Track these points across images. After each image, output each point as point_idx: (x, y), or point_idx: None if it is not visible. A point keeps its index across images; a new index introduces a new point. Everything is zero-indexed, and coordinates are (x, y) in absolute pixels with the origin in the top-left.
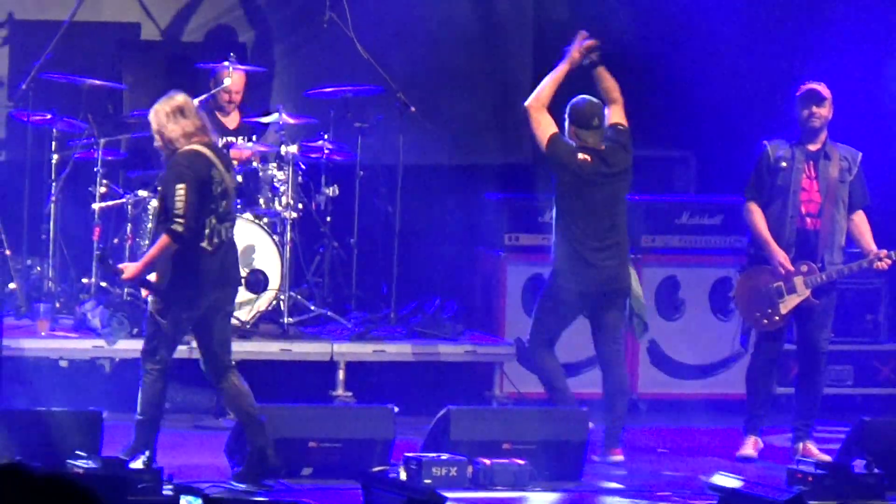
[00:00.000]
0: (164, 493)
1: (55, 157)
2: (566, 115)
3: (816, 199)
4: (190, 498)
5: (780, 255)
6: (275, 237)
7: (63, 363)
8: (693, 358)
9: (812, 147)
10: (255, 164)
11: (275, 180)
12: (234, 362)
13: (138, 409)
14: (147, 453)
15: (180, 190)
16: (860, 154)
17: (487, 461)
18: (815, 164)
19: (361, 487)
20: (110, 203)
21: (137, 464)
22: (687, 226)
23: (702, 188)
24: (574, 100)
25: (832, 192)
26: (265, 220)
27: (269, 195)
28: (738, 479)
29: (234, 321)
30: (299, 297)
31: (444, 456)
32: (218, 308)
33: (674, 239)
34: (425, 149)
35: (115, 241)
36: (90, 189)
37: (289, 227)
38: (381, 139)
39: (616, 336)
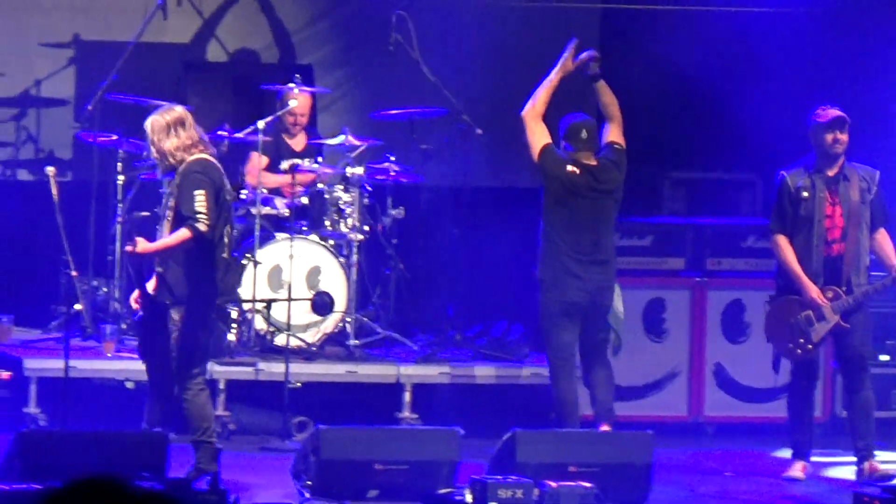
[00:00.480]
0: None
1: (121, 177)
2: (561, 134)
3: (840, 223)
4: None
5: (814, 291)
6: (341, 259)
7: (129, 385)
8: (759, 381)
9: (830, 172)
10: (320, 186)
11: (340, 202)
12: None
13: (193, 428)
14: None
15: (200, 195)
16: (878, 173)
17: (553, 484)
18: (836, 189)
19: None
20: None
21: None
22: (753, 249)
23: (768, 211)
24: (569, 115)
25: (854, 215)
26: (331, 242)
27: (335, 217)
28: None
29: (300, 343)
30: (365, 319)
31: (510, 478)
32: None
33: (739, 262)
34: (491, 170)
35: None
36: (156, 210)
37: (355, 249)
38: (446, 161)
39: (598, 347)
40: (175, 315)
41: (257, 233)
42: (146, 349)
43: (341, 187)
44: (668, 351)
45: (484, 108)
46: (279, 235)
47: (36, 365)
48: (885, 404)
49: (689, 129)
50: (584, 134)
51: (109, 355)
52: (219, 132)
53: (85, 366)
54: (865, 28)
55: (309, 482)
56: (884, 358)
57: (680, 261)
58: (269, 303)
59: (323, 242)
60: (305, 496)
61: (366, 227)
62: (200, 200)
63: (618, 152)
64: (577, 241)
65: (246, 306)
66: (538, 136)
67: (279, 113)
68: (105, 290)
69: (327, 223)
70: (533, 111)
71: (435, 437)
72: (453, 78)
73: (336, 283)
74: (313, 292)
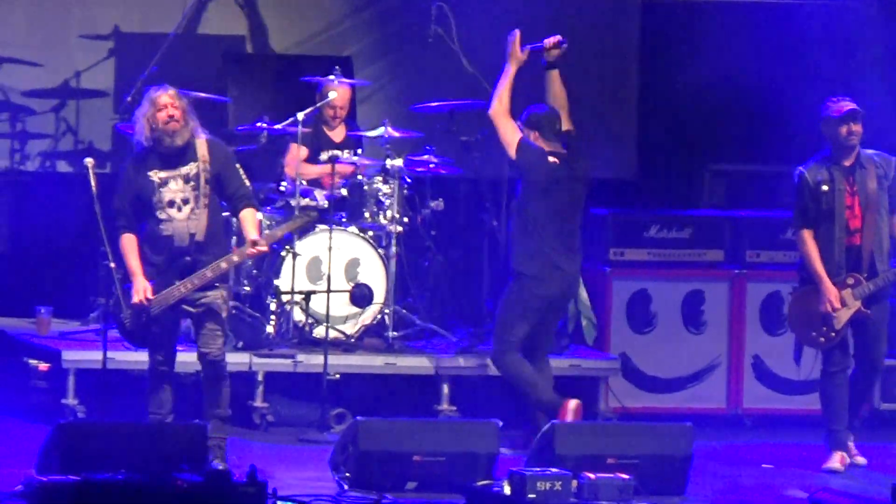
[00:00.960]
0: None
1: None
2: (524, 122)
3: (859, 213)
4: None
5: (832, 294)
6: (380, 251)
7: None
8: (797, 373)
9: (847, 163)
10: (360, 177)
11: (380, 194)
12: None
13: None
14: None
15: (242, 170)
16: (894, 159)
17: (592, 476)
18: (853, 179)
19: (465, 502)
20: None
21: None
22: (792, 241)
23: None
24: (533, 107)
25: (873, 203)
26: (370, 233)
27: (375, 209)
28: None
29: (339, 335)
30: (404, 311)
31: (549, 471)
32: None
33: (778, 254)
34: None
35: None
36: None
37: (394, 241)
38: (485, 153)
39: (551, 338)
40: (224, 295)
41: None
42: (164, 340)
43: (381, 179)
44: (706, 343)
45: (523, 101)
46: (318, 227)
47: (74, 357)
48: (891, 397)
49: (729, 121)
50: (557, 125)
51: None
52: (258, 124)
53: (123, 357)
54: None
55: (347, 474)
56: None
57: (719, 253)
58: (307, 295)
59: (362, 234)
60: (344, 488)
61: (405, 219)
62: (245, 175)
63: (577, 139)
64: (559, 232)
65: (285, 298)
66: (511, 132)
67: (319, 105)
68: None
69: (367, 215)
70: (500, 108)
71: (473, 429)
72: (493, 70)
73: (375, 275)
74: (352, 284)
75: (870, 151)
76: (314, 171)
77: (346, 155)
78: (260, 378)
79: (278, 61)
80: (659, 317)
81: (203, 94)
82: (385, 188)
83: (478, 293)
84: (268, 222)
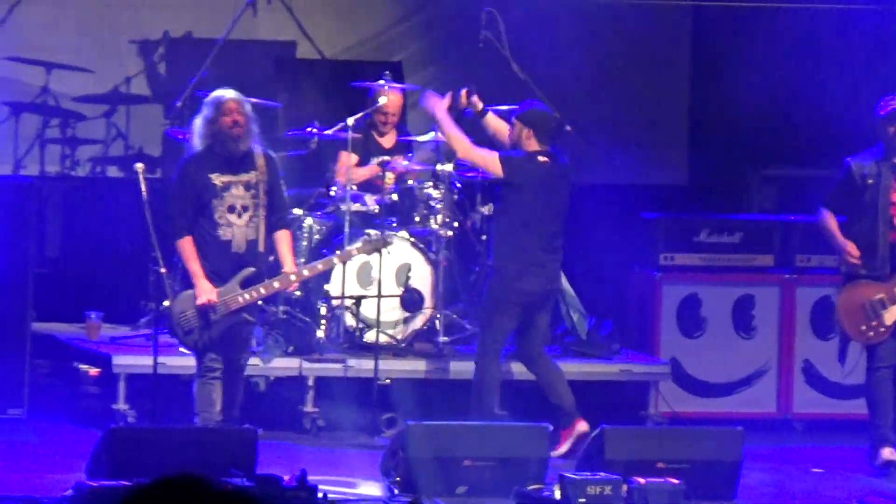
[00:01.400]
0: None
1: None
2: (519, 117)
3: None
4: None
5: (849, 245)
6: (430, 255)
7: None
8: (849, 377)
9: None
10: (410, 182)
11: (430, 199)
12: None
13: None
14: (300, 470)
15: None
16: None
17: (642, 480)
18: None
19: None
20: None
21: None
22: None
23: None
24: (531, 103)
25: None
26: (420, 238)
27: (425, 213)
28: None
29: (389, 339)
30: (454, 315)
31: (599, 475)
32: None
33: (828, 259)
34: (580, 168)
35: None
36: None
37: (444, 246)
38: None
39: (546, 336)
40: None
41: (347, 230)
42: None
43: (431, 184)
44: (757, 348)
45: (575, 105)
46: (369, 232)
47: (125, 361)
48: None
49: (780, 126)
50: (551, 124)
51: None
52: (308, 129)
53: (174, 362)
54: None
55: (398, 478)
56: None
57: (769, 258)
58: (358, 299)
59: (412, 239)
60: (394, 492)
61: (455, 224)
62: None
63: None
64: (543, 231)
65: (335, 303)
66: (488, 159)
67: (369, 110)
68: None
69: (417, 220)
70: (463, 144)
71: (524, 434)
72: (543, 75)
73: (425, 280)
74: (402, 289)
75: None
76: (364, 172)
77: (396, 160)
78: (310, 383)
79: (329, 66)
80: (709, 321)
81: (253, 100)
82: (435, 193)
83: None
84: (318, 227)
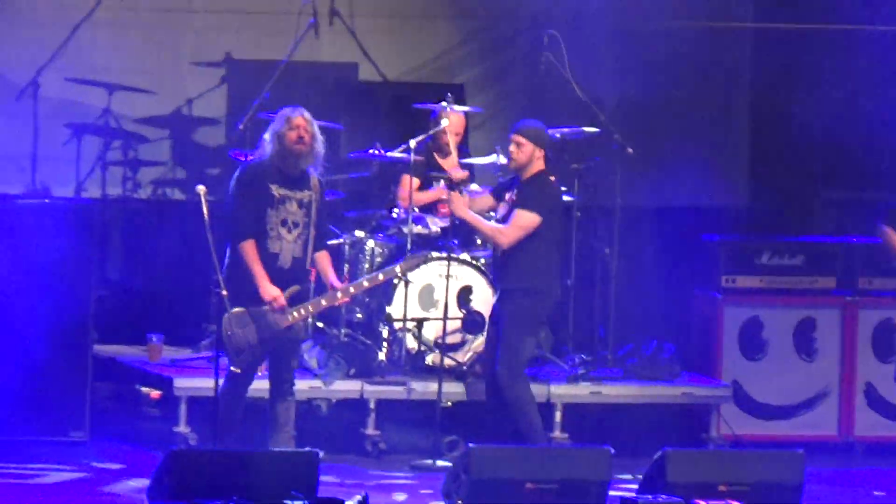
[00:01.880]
0: None
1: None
2: (535, 141)
3: None
4: None
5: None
6: (491, 278)
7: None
8: None
9: None
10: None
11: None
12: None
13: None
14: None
15: None
16: None
17: (703, 503)
18: None
19: None
20: (328, 243)
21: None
22: None
23: None
24: (539, 126)
25: None
26: (482, 260)
27: None
28: None
29: (451, 362)
30: None
31: (661, 497)
32: None
33: (891, 281)
34: (642, 190)
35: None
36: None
37: None
38: (597, 180)
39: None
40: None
41: (409, 252)
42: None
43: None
44: (818, 370)
45: (636, 127)
46: (431, 254)
47: (186, 384)
48: None
49: (841, 148)
50: (551, 143)
51: (260, 374)
52: (370, 151)
53: None
54: None
55: (459, 501)
56: None
57: (831, 280)
58: (420, 322)
59: (474, 261)
60: None
61: None
62: None
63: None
64: (557, 253)
65: (397, 325)
66: (529, 223)
67: (431, 132)
68: None
69: (478, 242)
70: (505, 231)
71: (585, 457)
72: (605, 97)
73: (486, 302)
74: (464, 311)
75: None
76: (427, 196)
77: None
78: (372, 405)
79: (390, 88)
80: (771, 344)
81: (316, 122)
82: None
83: (589, 320)
84: (380, 249)
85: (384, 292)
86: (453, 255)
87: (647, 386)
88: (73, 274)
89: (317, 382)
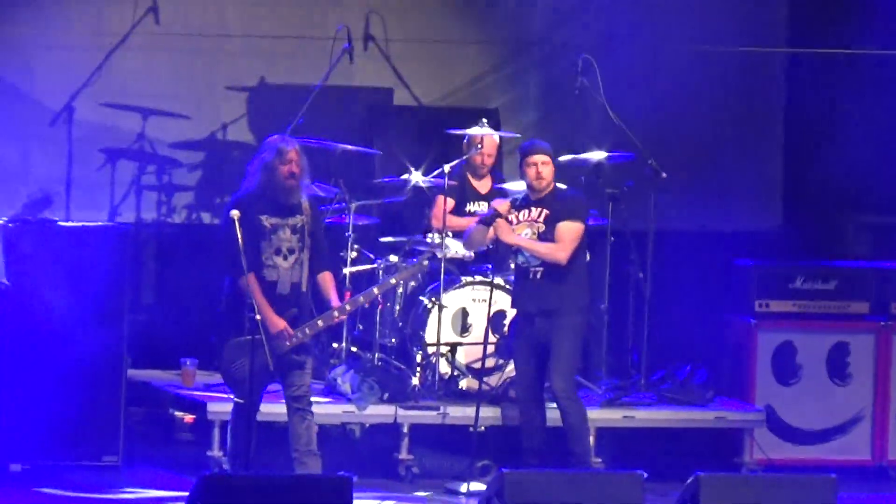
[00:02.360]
0: None
1: None
2: (553, 155)
3: None
4: None
5: None
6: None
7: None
8: None
9: None
10: None
11: None
12: None
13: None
14: None
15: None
16: None
17: None
18: None
19: None
20: (361, 268)
21: None
22: None
23: None
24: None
25: None
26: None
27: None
28: None
29: (484, 386)
30: None
31: None
32: None
33: None
34: (675, 215)
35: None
36: (341, 254)
37: None
38: (631, 205)
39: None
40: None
41: (442, 276)
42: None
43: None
44: (852, 395)
45: (670, 152)
46: (464, 279)
47: (219, 409)
48: None
49: (875, 172)
50: None
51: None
52: (404, 175)
53: (267, 409)
54: None
55: None
56: None
57: (864, 305)
58: (453, 347)
59: (507, 286)
60: None
61: None
62: None
63: None
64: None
65: (430, 350)
66: (576, 235)
67: (466, 156)
68: None
69: (512, 266)
70: (556, 249)
71: (618, 481)
72: (639, 122)
73: None
74: (497, 336)
75: None
76: (460, 222)
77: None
78: (405, 430)
79: (425, 113)
80: (804, 368)
81: (350, 146)
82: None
83: (623, 345)
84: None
85: (417, 317)
86: (485, 280)
87: (680, 411)
88: (107, 298)
89: (350, 407)
